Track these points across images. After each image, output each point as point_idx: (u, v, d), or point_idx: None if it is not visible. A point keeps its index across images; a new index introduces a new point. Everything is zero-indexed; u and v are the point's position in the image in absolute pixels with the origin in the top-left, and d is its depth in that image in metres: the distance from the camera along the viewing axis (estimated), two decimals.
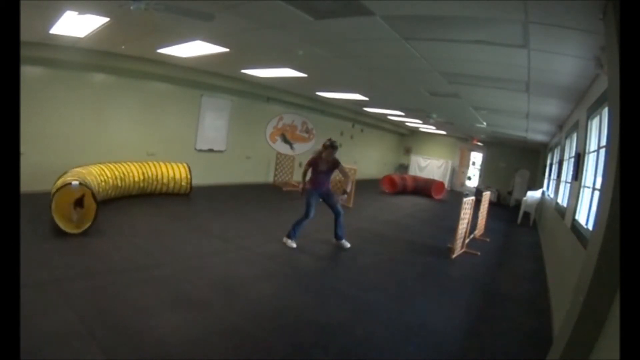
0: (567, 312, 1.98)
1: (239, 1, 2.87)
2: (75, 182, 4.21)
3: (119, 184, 5.81)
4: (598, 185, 2.94)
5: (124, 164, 6.14)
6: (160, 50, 5.27)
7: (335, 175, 8.61)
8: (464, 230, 5.75)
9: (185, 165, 6.97)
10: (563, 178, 6.10)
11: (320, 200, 4.97)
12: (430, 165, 16.04)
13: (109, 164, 5.85)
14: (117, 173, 5.80)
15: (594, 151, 3.61)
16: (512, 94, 4.94)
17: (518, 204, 11.20)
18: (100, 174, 5.31)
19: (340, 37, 3.59)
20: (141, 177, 6.30)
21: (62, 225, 4.06)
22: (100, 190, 5.11)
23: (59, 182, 4.41)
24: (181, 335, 2.54)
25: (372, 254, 5.11)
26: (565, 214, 4.57)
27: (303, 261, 4.44)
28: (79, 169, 5.06)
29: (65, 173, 4.91)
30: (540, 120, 6.79)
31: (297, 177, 10.07)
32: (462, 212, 5.43)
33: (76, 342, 2.27)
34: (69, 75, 5.91)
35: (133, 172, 6.17)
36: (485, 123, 8.83)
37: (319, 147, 5.20)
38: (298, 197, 5.66)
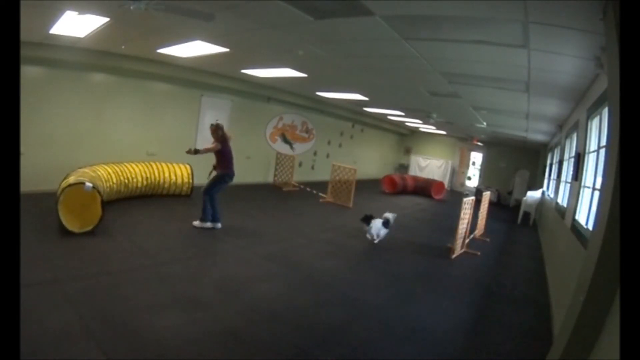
0: (567, 312, 1.98)
1: (239, 1, 2.87)
2: (89, 184, 4.22)
3: (123, 190, 5.83)
4: (598, 185, 2.94)
5: (128, 166, 6.13)
6: (160, 50, 5.27)
7: (334, 176, 8.64)
8: (464, 230, 5.75)
9: (187, 166, 6.97)
10: (563, 178, 6.10)
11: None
12: (430, 165, 16.04)
13: (114, 166, 5.84)
14: (122, 179, 5.79)
15: (594, 151, 3.61)
16: (512, 94, 4.94)
17: (518, 204, 11.19)
18: (107, 180, 5.30)
19: (340, 37, 3.59)
20: (145, 183, 6.31)
21: (65, 221, 4.06)
22: (104, 193, 5.11)
23: (71, 179, 4.40)
24: (181, 335, 2.54)
25: (372, 254, 5.11)
26: (565, 214, 4.57)
27: (303, 262, 4.44)
28: (86, 170, 5.04)
29: (74, 171, 4.90)
30: (540, 120, 6.79)
31: (297, 177, 10.11)
32: (462, 212, 5.44)
33: (76, 342, 2.28)
34: (69, 75, 5.90)
35: (137, 177, 6.16)
36: (485, 123, 8.83)
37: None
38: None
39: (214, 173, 5.17)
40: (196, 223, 5.11)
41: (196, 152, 4.94)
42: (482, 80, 4.49)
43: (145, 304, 2.91)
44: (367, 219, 5.52)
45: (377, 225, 5.49)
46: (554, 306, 3.77)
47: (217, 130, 5.07)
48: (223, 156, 5.10)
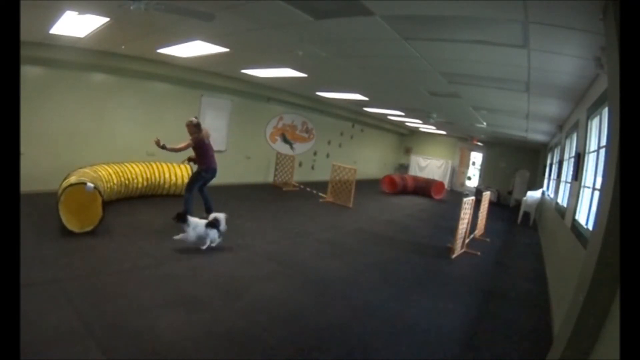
0: (567, 312, 1.98)
1: (239, 1, 2.87)
2: (90, 185, 4.23)
3: (123, 191, 5.83)
4: (598, 185, 2.94)
5: (128, 166, 6.13)
6: (160, 50, 5.27)
7: (334, 176, 8.65)
8: (464, 230, 5.75)
9: (187, 166, 6.97)
10: (563, 178, 6.10)
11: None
12: (430, 165, 16.04)
13: (114, 166, 5.84)
14: (122, 179, 5.80)
15: (594, 151, 3.61)
16: (512, 94, 4.94)
17: (518, 204, 11.20)
18: (108, 181, 5.31)
19: (340, 37, 3.59)
20: (145, 184, 6.32)
21: (66, 221, 4.06)
22: (106, 194, 5.11)
23: (72, 179, 4.41)
24: (182, 335, 2.54)
25: (372, 254, 5.11)
26: (565, 214, 4.57)
27: (303, 261, 4.44)
28: (87, 170, 5.04)
29: (75, 171, 4.90)
30: (540, 120, 6.79)
31: (297, 177, 10.11)
32: (462, 212, 5.44)
33: (76, 342, 2.28)
34: (69, 75, 5.90)
35: (138, 178, 6.17)
36: (485, 123, 8.83)
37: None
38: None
39: (192, 164, 5.31)
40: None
41: (163, 147, 4.77)
42: (482, 80, 4.49)
43: (145, 303, 2.91)
44: (182, 217, 4.23)
45: (197, 228, 4.23)
46: (554, 306, 3.77)
47: (190, 126, 5.11)
48: (199, 153, 5.19)
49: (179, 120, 7.78)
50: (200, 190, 5.35)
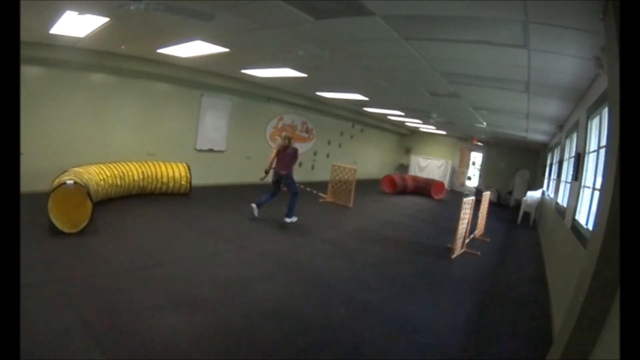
0: (567, 312, 1.98)
1: (239, 1, 2.87)
2: (69, 182, 4.21)
3: (119, 183, 5.81)
4: (598, 185, 2.94)
5: (126, 165, 6.15)
6: (160, 50, 5.27)
7: (334, 176, 8.65)
8: (464, 230, 5.75)
9: (184, 164, 6.97)
10: (563, 178, 6.10)
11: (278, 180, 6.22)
12: (430, 165, 16.04)
13: (111, 165, 5.86)
14: (116, 172, 5.81)
15: (594, 151, 3.61)
16: (512, 94, 4.93)
17: (518, 204, 11.20)
18: (99, 173, 5.30)
19: (340, 37, 3.59)
20: (141, 177, 6.31)
21: (58, 224, 4.06)
22: (100, 189, 5.10)
23: (55, 182, 4.41)
24: (181, 335, 2.54)
25: (372, 254, 5.11)
26: (565, 214, 4.57)
27: (303, 261, 4.44)
28: (76, 169, 5.05)
29: (63, 173, 4.90)
30: (540, 120, 6.79)
31: (297, 177, 10.02)
32: (462, 212, 5.44)
33: (76, 342, 2.28)
34: (69, 75, 5.90)
35: (132, 171, 6.19)
36: (485, 123, 8.83)
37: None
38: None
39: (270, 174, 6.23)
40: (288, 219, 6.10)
41: (267, 171, 6.17)
42: (482, 80, 4.49)
43: (144, 304, 2.91)
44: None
45: None
46: (554, 306, 3.77)
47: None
48: None
49: (179, 120, 7.83)
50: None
